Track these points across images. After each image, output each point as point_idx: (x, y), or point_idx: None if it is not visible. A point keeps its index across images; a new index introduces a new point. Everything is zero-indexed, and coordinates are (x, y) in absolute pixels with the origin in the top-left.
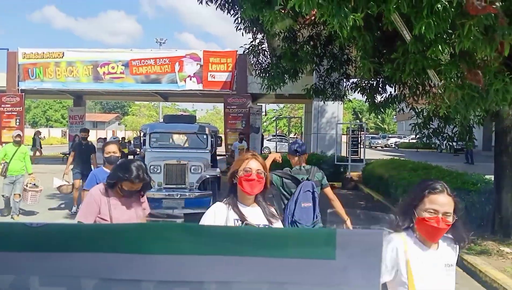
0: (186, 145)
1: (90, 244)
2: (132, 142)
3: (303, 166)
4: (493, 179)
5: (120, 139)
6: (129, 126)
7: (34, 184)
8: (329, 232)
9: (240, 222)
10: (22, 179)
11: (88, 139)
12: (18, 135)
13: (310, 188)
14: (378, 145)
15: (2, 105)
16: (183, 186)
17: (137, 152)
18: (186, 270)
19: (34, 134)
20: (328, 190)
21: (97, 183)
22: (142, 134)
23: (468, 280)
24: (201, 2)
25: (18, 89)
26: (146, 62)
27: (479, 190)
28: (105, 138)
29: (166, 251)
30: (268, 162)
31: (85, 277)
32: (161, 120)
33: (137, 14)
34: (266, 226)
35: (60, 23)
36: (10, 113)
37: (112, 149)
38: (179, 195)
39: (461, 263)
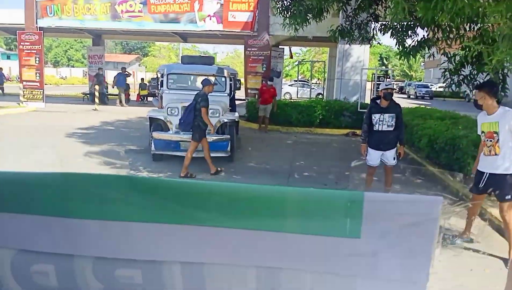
0: None
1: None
2: (150, 83)
3: None
4: None
5: (141, 80)
6: (149, 67)
7: None
8: (354, 195)
9: None
10: None
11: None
12: None
13: None
14: (426, 95)
15: (22, 43)
16: None
17: (156, 94)
18: (136, 243)
19: None
20: None
21: None
22: (159, 75)
23: None
24: None
25: (37, 27)
26: (165, 1)
27: None
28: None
29: (101, 215)
30: None
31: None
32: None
33: None
34: None
35: None
36: (30, 51)
37: None
38: None
39: None
